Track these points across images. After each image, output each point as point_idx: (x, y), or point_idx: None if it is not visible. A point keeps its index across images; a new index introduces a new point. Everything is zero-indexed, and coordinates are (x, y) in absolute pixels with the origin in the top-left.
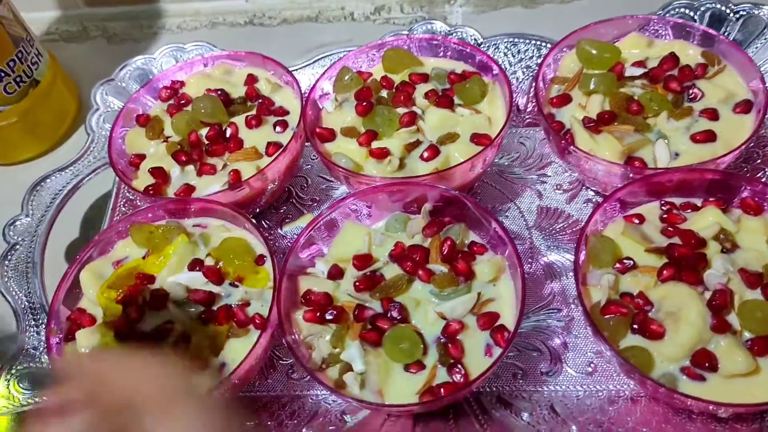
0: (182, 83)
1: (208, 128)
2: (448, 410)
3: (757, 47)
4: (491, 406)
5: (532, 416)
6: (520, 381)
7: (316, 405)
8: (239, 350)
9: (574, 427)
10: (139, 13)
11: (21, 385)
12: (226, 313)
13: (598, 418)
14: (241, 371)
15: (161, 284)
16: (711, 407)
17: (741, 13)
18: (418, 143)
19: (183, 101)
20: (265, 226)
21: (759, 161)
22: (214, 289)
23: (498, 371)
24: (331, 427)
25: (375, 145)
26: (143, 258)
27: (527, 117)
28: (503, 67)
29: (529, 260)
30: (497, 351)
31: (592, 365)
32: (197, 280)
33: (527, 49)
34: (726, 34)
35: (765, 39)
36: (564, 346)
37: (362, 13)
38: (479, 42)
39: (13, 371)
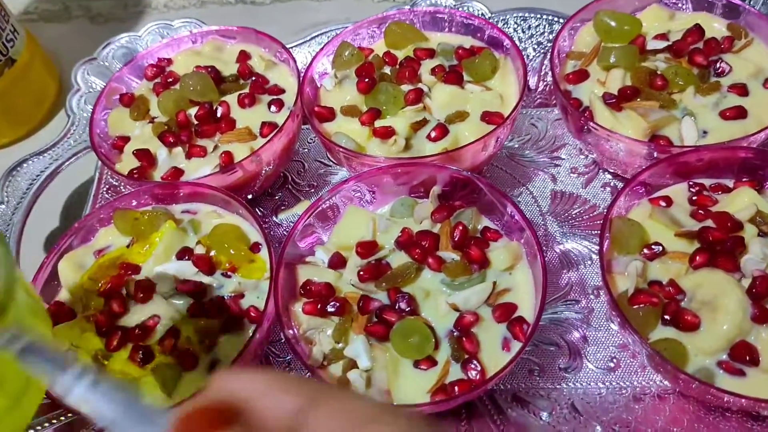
0: (169, 61)
1: (197, 107)
2: (460, 410)
3: None
4: (507, 405)
5: (551, 416)
6: (537, 378)
7: None
8: (233, 346)
9: (598, 428)
10: None
11: None
12: (218, 305)
13: (624, 417)
14: (235, 368)
15: (147, 274)
16: (753, 404)
17: None
18: (425, 122)
19: (170, 80)
20: (259, 213)
21: None
22: (205, 279)
23: (513, 367)
24: None
25: (378, 124)
26: (127, 246)
27: (538, 97)
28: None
29: (544, 248)
30: (516, 345)
31: (614, 360)
32: (186, 270)
33: (538, 25)
34: (750, 5)
35: None
36: (583, 340)
37: None
38: (487, 17)
39: None
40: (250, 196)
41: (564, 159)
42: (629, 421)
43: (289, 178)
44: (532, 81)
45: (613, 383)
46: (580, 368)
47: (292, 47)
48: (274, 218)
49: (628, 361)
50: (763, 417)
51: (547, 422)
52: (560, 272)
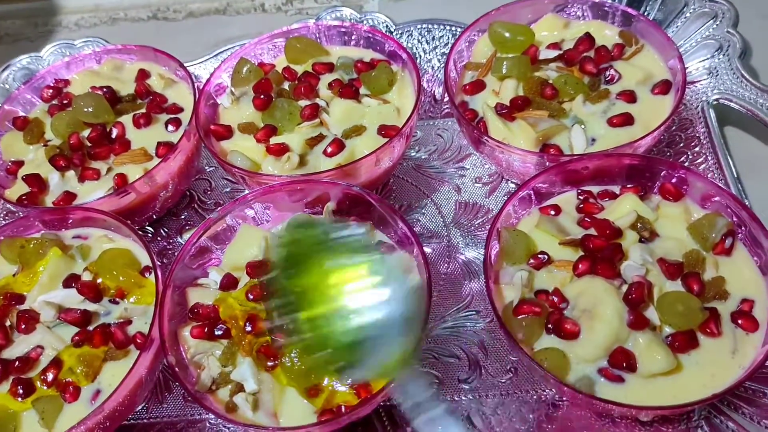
0: (67, 82)
1: (90, 129)
2: (356, 427)
3: (677, 26)
4: (404, 421)
5: None
6: (437, 391)
7: (215, 429)
8: (118, 374)
9: None
10: (33, 10)
11: None
12: (102, 333)
13: (517, 427)
14: (118, 396)
15: (31, 304)
16: (632, 411)
17: None
18: (321, 138)
19: (66, 101)
20: (163, 234)
21: (682, 145)
22: (91, 307)
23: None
24: None
25: (273, 140)
26: (14, 275)
27: (445, 107)
28: (418, 54)
29: (447, 259)
30: None
31: (512, 370)
32: (72, 299)
33: (442, 35)
34: (646, 13)
35: (685, 18)
36: (483, 351)
37: (273, 3)
38: (391, 29)
39: None
40: (153, 217)
41: (468, 169)
42: (521, 431)
43: (195, 197)
44: (438, 91)
45: (511, 393)
46: (479, 379)
47: (196, 64)
48: (179, 239)
49: (525, 370)
50: (650, 422)
51: None
52: (462, 282)
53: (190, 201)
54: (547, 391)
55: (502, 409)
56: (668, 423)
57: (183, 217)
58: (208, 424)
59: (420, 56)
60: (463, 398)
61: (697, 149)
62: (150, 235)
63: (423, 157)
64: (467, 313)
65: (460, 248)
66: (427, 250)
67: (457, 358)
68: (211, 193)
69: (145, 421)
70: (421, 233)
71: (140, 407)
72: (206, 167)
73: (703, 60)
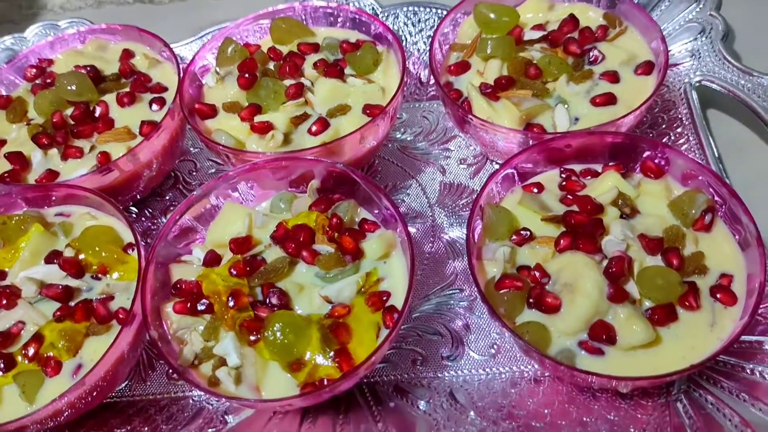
0: (50, 61)
1: (73, 108)
2: (339, 402)
3: (661, 9)
4: (387, 396)
5: (429, 404)
6: (420, 367)
7: (198, 406)
8: (100, 349)
9: (472, 413)
10: None
11: None
12: (84, 308)
13: (499, 401)
14: (100, 371)
15: (13, 280)
16: (612, 383)
17: None
18: (306, 116)
19: (49, 80)
20: (148, 214)
21: (664, 126)
22: (73, 283)
23: (396, 358)
24: (210, 430)
25: (258, 119)
26: None
27: (431, 90)
28: (404, 37)
29: (431, 239)
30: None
31: (495, 347)
32: (54, 274)
33: (428, 18)
34: None
35: (669, 1)
36: (466, 328)
37: None
38: (377, 12)
39: None
40: (137, 197)
41: (453, 150)
42: (503, 405)
43: (180, 178)
44: (424, 74)
45: (494, 369)
46: (462, 356)
47: (183, 45)
48: (163, 219)
49: (508, 347)
50: (630, 395)
51: (423, 411)
52: (446, 261)
53: (175, 182)
54: (528, 366)
55: (484, 385)
56: (648, 396)
57: (167, 198)
58: (191, 401)
59: (406, 39)
60: (446, 374)
61: (679, 130)
62: (134, 215)
63: (408, 138)
64: (451, 292)
65: (444, 228)
66: (412, 230)
67: (441, 335)
68: (196, 174)
69: (128, 398)
70: (406, 213)
71: (123, 385)
72: (191, 148)
73: (686, 42)
